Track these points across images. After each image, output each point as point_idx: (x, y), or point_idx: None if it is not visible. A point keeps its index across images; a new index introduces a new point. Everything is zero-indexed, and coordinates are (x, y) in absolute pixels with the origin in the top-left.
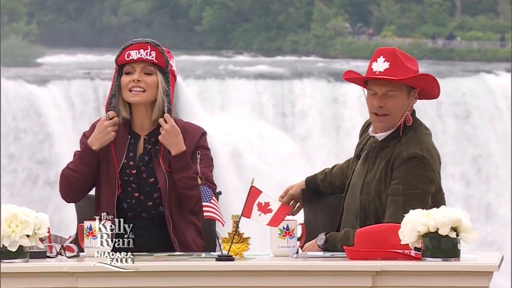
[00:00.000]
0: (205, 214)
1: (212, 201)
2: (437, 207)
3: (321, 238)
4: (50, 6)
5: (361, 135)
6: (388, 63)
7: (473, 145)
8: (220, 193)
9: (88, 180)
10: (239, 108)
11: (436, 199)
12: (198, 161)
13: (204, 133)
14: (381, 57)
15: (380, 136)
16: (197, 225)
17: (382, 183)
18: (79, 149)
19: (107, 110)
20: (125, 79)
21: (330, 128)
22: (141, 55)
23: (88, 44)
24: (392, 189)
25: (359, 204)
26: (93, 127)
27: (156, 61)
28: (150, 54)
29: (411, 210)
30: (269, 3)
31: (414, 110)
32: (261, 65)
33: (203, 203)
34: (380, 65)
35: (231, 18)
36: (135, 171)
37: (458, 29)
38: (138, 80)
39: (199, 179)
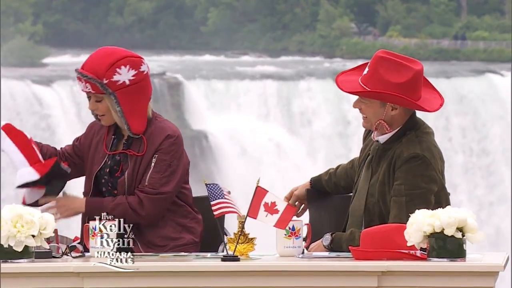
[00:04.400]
0: (215, 213)
1: (224, 197)
2: (441, 207)
3: (326, 238)
4: (56, 7)
5: (364, 139)
6: (368, 69)
7: (479, 145)
8: (229, 192)
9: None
10: (244, 108)
11: (440, 199)
12: (152, 165)
13: (168, 136)
14: (370, 63)
15: (382, 138)
16: (179, 221)
17: (386, 185)
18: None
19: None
20: None
21: (336, 128)
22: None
23: (94, 45)
24: (395, 189)
25: (364, 206)
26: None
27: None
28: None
29: (416, 210)
30: (274, 3)
31: (414, 110)
32: (267, 65)
33: (211, 202)
34: (366, 69)
35: (236, 18)
36: (108, 170)
37: (464, 29)
38: (93, 110)
39: (204, 179)
